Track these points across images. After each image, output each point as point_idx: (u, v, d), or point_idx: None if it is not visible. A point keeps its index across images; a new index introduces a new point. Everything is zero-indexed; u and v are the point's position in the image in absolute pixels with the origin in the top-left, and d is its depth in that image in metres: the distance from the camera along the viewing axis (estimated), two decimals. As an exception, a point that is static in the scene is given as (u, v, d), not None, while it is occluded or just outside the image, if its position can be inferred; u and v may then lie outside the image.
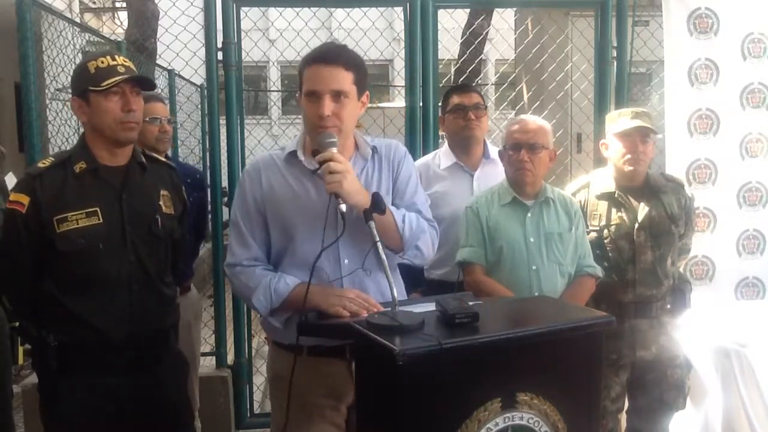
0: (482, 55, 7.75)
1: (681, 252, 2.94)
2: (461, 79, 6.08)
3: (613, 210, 2.77)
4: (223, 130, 3.62)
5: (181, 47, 4.91)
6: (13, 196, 2.07)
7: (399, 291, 2.03)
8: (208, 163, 4.15)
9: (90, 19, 9.41)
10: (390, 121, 4.92)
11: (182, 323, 2.45)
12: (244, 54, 3.77)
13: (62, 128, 3.92)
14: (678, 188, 2.88)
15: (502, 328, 1.74)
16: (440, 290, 2.50)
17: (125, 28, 7.13)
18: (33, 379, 2.99)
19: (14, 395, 2.95)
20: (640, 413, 2.85)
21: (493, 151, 2.99)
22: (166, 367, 2.20)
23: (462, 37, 6.55)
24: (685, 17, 3.45)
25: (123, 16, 8.89)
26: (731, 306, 3.25)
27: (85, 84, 2.06)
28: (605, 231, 2.76)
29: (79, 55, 4.14)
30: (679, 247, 2.89)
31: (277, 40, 4.98)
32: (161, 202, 2.21)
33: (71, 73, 2.24)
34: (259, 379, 4.37)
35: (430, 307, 1.70)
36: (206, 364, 3.81)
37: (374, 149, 2.12)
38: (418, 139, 3.65)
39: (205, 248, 5.11)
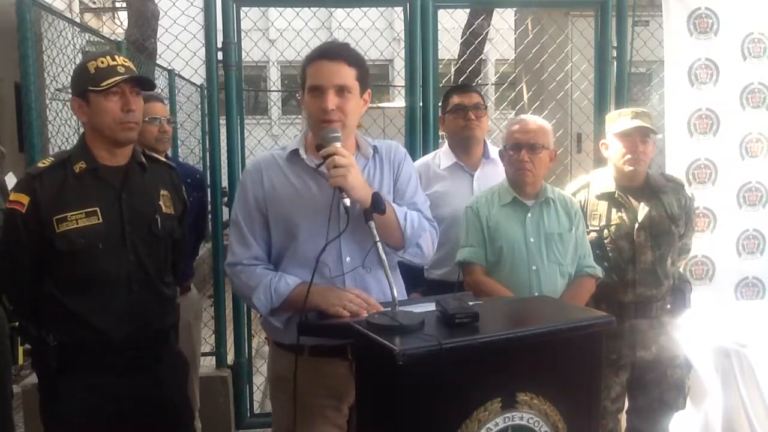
0: (482, 55, 7.75)
1: (681, 252, 2.94)
2: (461, 79, 6.08)
3: (613, 210, 2.77)
4: (223, 130, 3.62)
5: (181, 47, 4.91)
6: (13, 196, 2.07)
7: (399, 290, 2.04)
8: (208, 163, 4.15)
9: (90, 19, 9.41)
10: (390, 121, 4.91)
11: (182, 323, 2.46)
12: (244, 54, 3.77)
13: (62, 128, 3.93)
14: (678, 188, 2.88)
15: (502, 328, 1.74)
16: (440, 290, 2.50)
17: (125, 28, 7.13)
18: (33, 379, 2.99)
19: (14, 395, 2.95)
20: (640, 413, 2.85)
21: (493, 151, 2.99)
22: (166, 367, 2.20)
23: (462, 37, 6.55)
24: (685, 17, 3.45)
25: (123, 16, 8.90)
26: (731, 306, 3.25)
27: (85, 84, 2.06)
28: (605, 231, 2.76)
29: (79, 55, 4.14)
30: (679, 247, 2.89)
31: (277, 40, 4.97)
32: (161, 202, 2.21)
33: (71, 73, 2.24)
34: (259, 379, 4.37)
35: (430, 307, 1.70)
36: (206, 364, 3.81)
37: (375, 149, 2.13)
38: (418, 139, 3.65)
39: (205, 248, 5.11)
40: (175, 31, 4.75)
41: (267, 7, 4.92)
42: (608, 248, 2.75)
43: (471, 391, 1.52)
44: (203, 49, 3.60)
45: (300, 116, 9.47)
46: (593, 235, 2.74)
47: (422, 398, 1.48)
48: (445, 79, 6.48)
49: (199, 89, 7.88)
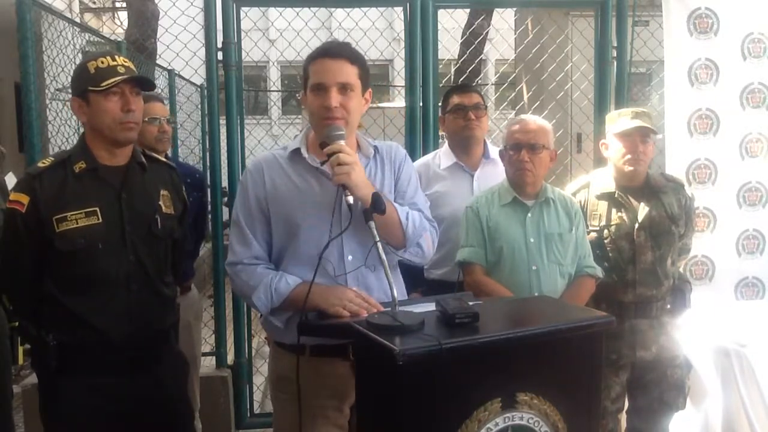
0: (482, 55, 7.75)
1: (681, 252, 2.94)
2: (461, 79, 6.07)
3: (613, 210, 2.77)
4: (223, 130, 3.62)
5: (181, 47, 4.91)
6: (13, 196, 2.07)
7: (399, 290, 2.04)
8: (208, 163, 4.15)
9: (90, 19, 9.41)
10: (390, 121, 4.91)
11: (183, 323, 2.45)
12: (244, 54, 3.77)
13: (62, 128, 3.92)
14: (678, 188, 2.88)
15: (502, 328, 1.74)
16: (440, 290, 2.50)
17: (125, 28, 7.13)
18: (33, 379, 2.99)
19: (14, 395, 2.95)
20: (640, 413, 2.85)
21: (493, 151, 2.99)
22: (166, 367, 2.20)
23: (462, 37, 6.55)
24: (685, 17, 3.45)
25: (123, 16, 8.90)
26: (731, 306, 3.25)
27: (85, 84, 2.06)
28: (605, 231, 2.76)
29: (79, 55, 4.14)
30: (679, 247, 2.89)
31: (277, 40, 4.97)
32: (161, 202, 2.21)
33: (71, 73, 2.24)
34: (259, 379, 4.37)
35: (430, 307, 1.71)
36: (206, 364, 3.81)
37: (376, 149, 2.14)
38: (418, 139, 3.65)
39: (205, 248, 5.11)
40: (175, 31, 4.75)
41: (267, 7, 4.92)
42: (608, 248, 2.75)
43: (471, 391, 1.52)
44: (203, 49, 3.60)
45: (300, 116, 9.47)
46: (593, 235, 2.74)
47: (422, 398, 1.48)
48: (445, 79, 6.48)
49: (199, 89, 7.88)
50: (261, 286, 2.01)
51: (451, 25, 5.35)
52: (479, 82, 8.21)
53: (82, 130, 2.21)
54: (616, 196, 2.78)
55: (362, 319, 1.72)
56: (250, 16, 4.12)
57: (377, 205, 1.88)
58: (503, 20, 6.54)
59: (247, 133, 3.91)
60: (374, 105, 2.18)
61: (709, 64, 3.45)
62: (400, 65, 4.16)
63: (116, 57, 2.10)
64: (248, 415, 3.86)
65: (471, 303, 1.71)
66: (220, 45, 3.53)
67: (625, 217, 2.75)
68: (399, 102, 5.88)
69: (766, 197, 3.50)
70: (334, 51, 2.01)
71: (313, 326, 1.91)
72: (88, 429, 2.08)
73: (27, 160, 3.18)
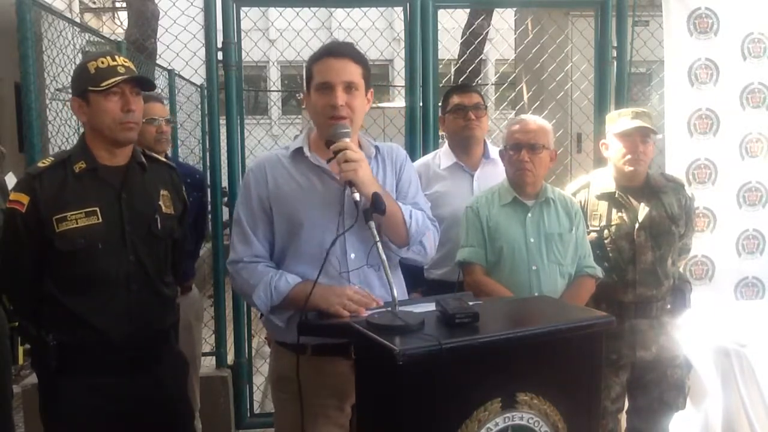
0: (482, 55, 7.75)
1: (681, 252, 2.94)
2: (461, 79, 6.07)
3: (614, 210, 2.77)
4: (223, 130, 3.62)
5: (181, 47, 4.90)
6: (13, 196, 2.07)
7: (400, 289, 2.07)
8: (208, 163, 4.15)
9: (90, 19, 9.41)
10: (390, 121, 4.91)
11: (183, 323, 2.46)
12: (244, 54, 3.77)
13: (62, 128, 3.92)
14: (678, 188, 2.88)
15: (502, 328, 1.74)
16: (440, 290, 2.50)
17: (125, 28, 7.13)
18: (33, 379, 2.99)
19: (14, 395, 2.95)
20: (640, 413, 2.85)
21: (493, 151, 2.99)
22: (166, 367, 2.20)
23: (462, 37, 6.55)
24: (685, 17, 3.45)
25: (123, 16, 8.90)
26: (731, 306, 3.25)
27: (85, 84, 2.06)
28: (605, 231, 2.76)
29: (79, 55, 4.14)
30: (680, 247, 2.89)
31: (277, 40, 4.97)
32: (161, 202, 2.21)
33: (71, 73, 2.24)
34: (259, 379, 4.37)
35: (430, 307, 1.71)
36: (206, 364, 3.81)
37: (377, 149, 2.15)
38: (418, 139, 3.65)
39: (205, 248, 5.11)
40: (175, 31, 4.74)
41: (267, 7, 4.92)
42: (608, 248, 2.75)
43: (471, 391, 1.52)
44: (203, 49, 3.60)
45: (300, 116, 9.47)
46: (593, 235, 2.74)
47: (422, 398, 1.48)
48: (445, 79, 6.48)
49: (199, 89, 7.88)
50: (261, 285, 2.02)
51: (451, 25, 5.35)
52: (479, 82, 8.21)
53: (82, 130, 2.21)
54: (616, 196, 2.77)
55: (362, 319, 1.73)
56: (250, 16, 4.12)
57: (377, 204, 1.89)
58: (503, 20, 6.55)
59: (247, 133, 3.91)
60: (374, 105, 2.19)
61: (709, 64, 3.45)
62: (400, 65, 4.16)
63: (116, 57, 2.10)
64: (248, 415, 3.86)
65: (471, 303, 1.71)
66: (220, 45, 3.53)
67: (625, 217, 2.75)
68: (399, 102, 5.88)
69: (766, 197, 3.49)
70: (339, 50, 2.03)
71: (312, 326, 1.91)
72: (88, 429, 2.08)
73: (27, 160, 3.18)
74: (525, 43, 5.23)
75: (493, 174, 2.86)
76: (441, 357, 1.46)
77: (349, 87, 1.99)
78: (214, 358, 3.84)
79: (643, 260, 2.73)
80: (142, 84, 2.15)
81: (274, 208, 2.07)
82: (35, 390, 2.21)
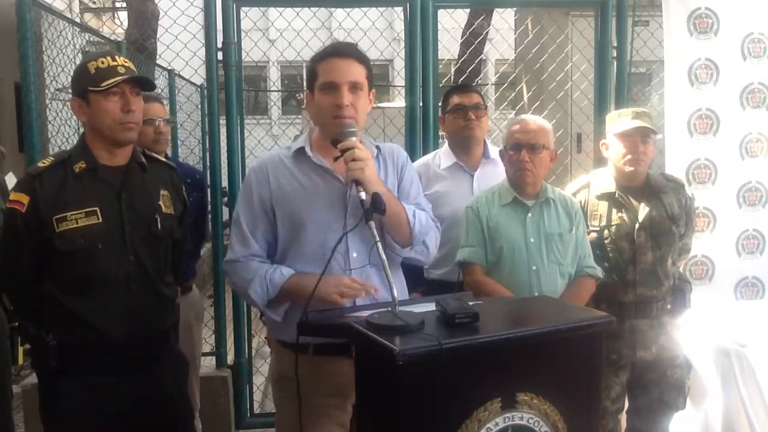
0: (482, 55, 7.75)
1: (681, 252, 2.94)
2: (461, 79, 6.07)
3: (614, 210, 2.77)
4: (223, 130, 3.62)
5: (181, 47, 4.90)
6: (13, 196, 2.07)
7: (401, 289, 2.09)
8: (208, 163, 4.15)
9: (90, 19, 9.41)
10: (390, 121, 4.91)
11: (183, 323, 2.46)
12: (244, 54, 3.77)
13: (62, 128, 3.92)
14: (678, 188, 2.88)
15: (502, 328, 1.74)
16: (440, 290, 2.50)
17: (125, 28, 7.13)
18: (33, 379, 2.99)
19: (14, 395, 2.95)
20: (640, 413, 2.85)
21: (493, 151, 2.99)
22: (166, 367, 2.20)
23: (462, 37, 6.55)
24: (685, 17, 3.45)
25: (123, 16, 8.90)
26: (731, 306, 3.25)
27: (85, 84, 2.06)
28: (605, 231, 2.76)
29: (79, 55, 4.14)
30: (680, 247, 2.89)
31: (277, 40, 4.97)
32: (161, 202, 2.21)
33: (71, 73, 2.24)
34: (259, 379, 4.37)
35: (430, 307, 1.71)
36: (206, 364, 3.80)
37: (378, 149, 2.16)
38: (418, 139, 3.65)
39: (205, 248, 5.11)
40: (175, 31, 4.74)
41: (267, 7, 4.92)
42: (608, 248, 2.75)
43: (471, 391, 1.52)
44: (203, 49, 3.60)
45: (300, 116, 9.47)
46: (593, 235, 2.74)
47: (422, 398, 1.48)
48: (445, 79, 6.48)
49: (199, 89, 7.87)
50: (256, 278, 2.03)
51: (451, 25, 5.35)
52: (479, 82, 8.21)
53: (82, 130, 2.21)
54: (616, 196, 2.77)
55: (362, 319, 1.73)
56: (250, 16, 4.12)
57: (377, 204, 1.89)
58: (503, 20, 6.55)
59: (247, 133, 3.91)
60: (374, 105, 2.21)
61: (709, 64, 3.45)
62: (400, 65, 4.16)
63: (116, 57, 2.10)
64: (248, 415, 3.86)
65: (471, 303, 1.71)
66: (220, 45, 3.53)
67: (625, 218, 2.75)
68: (399, 102, 5.88)
69: (766, 197, 3.49)
70: (344, 51, 2.04)
71: (312, 326, 1.91)
72: (88, 429, 2.08)
73: (27, 160, 3.18)
74: (525, 43, 5.23)
75: (493, 174, 2.86)
76: (441, 357, 1.46)
77: (354, 87, 2.01)
78: (214, 358, 3.84)
79: (643, 260, 2.73)
80: (142, 84, 2.15)
81: (276, 208, 2.07)
82: (35, 390, 2.21)
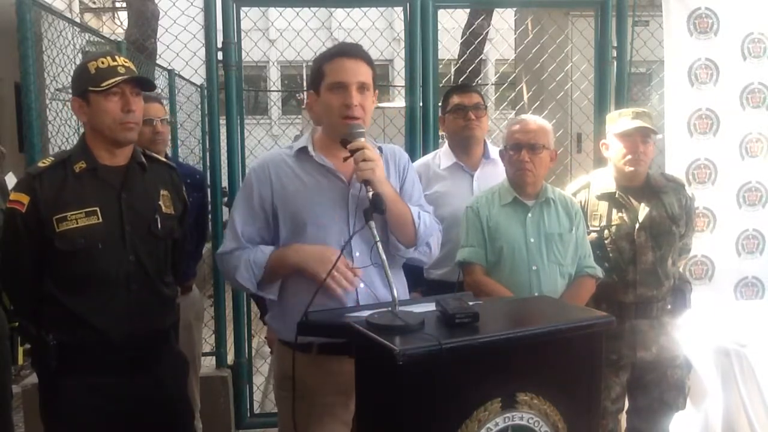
0: (482, 55, 7.75)
1: (681, 252, 2.94)
2: (461, 79, 6.07)
3: (614, 210, 2.77)
4: (223, 130, 3.62)
5: (181, 47, 4.90)
6: (13, 196, 2.07)
7: (402, 289, 2.10)
8: (208, 163, 4.15)
9: (90, 19, 9.41)
10: (390, 121, 4.91)
11: (183, 323, 2.46)
12: (244, 54, 3.77)
13: (62, 128, 3.92)
14: (679, 188, 2.88)
15: (502, 328, 1.74)
16: (440, 290, 2.50)
17: (125, 28, 7.12)
18: (33, 379, 2.99)
19: (14, 395, 2.95)
20: (640, 413, 2.85)
21: (494, 151, 2.99)
22: (166, 367, 2.20)
23: (462, 37, 6.55)
24: (685, 17, 3.45)
25: (123, 16, 8.90)
26: (731, 306, 3.25)
27: (85, 84, 2.06)
28: (606, 231, 2.76)
29: (79, 55, 4.14)
30: (680, 247, 2.89)
31: (277, 40, 4.97)
32: (161, 202, 2.21)
33: (71, 73, 2.24)
34: (259, 379, 4.37)
35: (430, 307, 1.71)
36: (206, 364, 3.80)
37: (380, 149, 2.15)
38: (418, 139, 3.65)
39: (205, 248, 5.10)
40: (175, 31, 4.74)
41: (267, 7, 4.92)
42: (609, 249, 2.75)
43: (471, 391, 1.52)
44: (203, 49, 3.60)
45: (300, 116, 9.47)
46: (594, 235, 2.74)
47: (422, 398, 1.48)
48: (445, 79, 6.48)
49: (199, 89, 7.87)
50: (241, 264, 2.05)
51: (451, 25, 5.35)
52: (479, 82, 8.22)
53: (82, 130, 2.21)
54: (616, 196, 2.77)
55: (362, 318, 1.73)
56: (250, 16, 4.12)
57: (377, 205, 1.90)
58: (503, 20, 6.55)
59: (247, 133, 3.91)
60: (375, 105, 2.22)
61: (709, 64, 3.45)
62: (400, 65, 4.16)
63: (116, 57, 2.11)
64: (248, 415, 3.86)
65: (471, 303, 1.71)
66: (220, 45, 3.53)
67: (625, 218, 2.75)
68: (399, 102, 5.88)
69: (766, 197, 3.50)
70: (352, 51, 2.05)
71: (312, 326, 1.91)
72: (88, 429, 2.08)
73: (27, 160, 3.18)
74: (525, 43, 5.23)
75: (493, 174, 2.86)
76: (441, 357, 1.46)
77: (362, 87, 2.02)
78: (214, 358, 3.84)
79: (643, 260, 2.73)
80: (143, 84, 2.15)
81: (278, 206, 2.08)
82: (35, 390, 2.21)
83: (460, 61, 6.71)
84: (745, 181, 3.48)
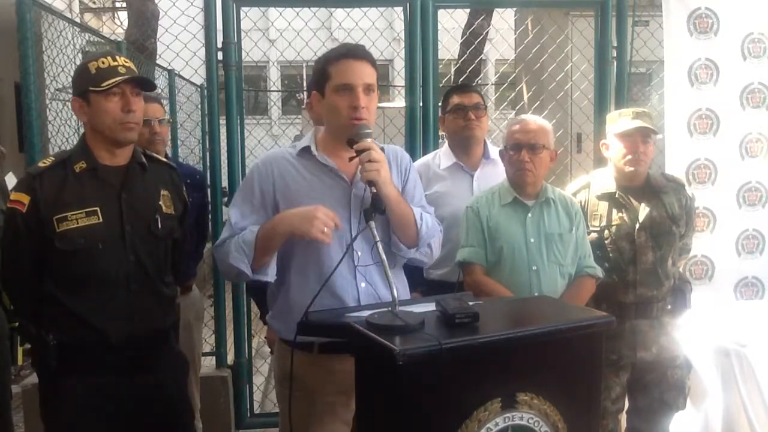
0: (482, 55, 7.75)
1: (681, 252, 2.94)
2: (461, 79, 6.07)
3: (614, 210, 2.77)
4: (223, 130, 3.62)
5: (181, 47, 4.90)
6: (13, 196, 2.07)
7: (403, 289, 2.11)
8: (208, 163, 4.15)
9: (90, 19, 9.41)
10: (390, 121, 4.90)
11: (183, 323, 2.46)
12: (244, 54, 3.77)
13: (62, 128, 3.92)
14: (679, 188, 2.88)
15: (502, 328, 1.74)
16: (440, 290, 2.50)
17: (125, 28, 7.13)
18: (33, 379, 2.99)
19: (14, 395, 2.95)
20: (641, 413, 2.85)
21: (494, 151, 2.99)
22: (166, 367, 2.20)
23: (462, 37, 6.55)
24: (685, 17, 3.45)
25: (123, 16, 8.90)
26: (731, 306, 3.25)
27: (86, 84, 2.06)
28: (606, 231, 2.76)
29: (79, 55, 4.14)
30: (680, 248, 2.89)
31: (277, 40, 4.97)
32: (161, 202, 2.21)
33: (71, 73, 2.24)
34: (259, 379, 4.37)
35: (430, 307, 1.71)
36: (206, 364, 3.81)
37: (382, 150, 2.15)
38: (418, 139, 3.65)
39: (205, 248, 5.11)
40: (175, 31, 4.74)
41: (267, 7, 4.92)
42: (609, 249, 2.75)
43: (471, 391, 1.52)
44: (203, 49, 3.60)
45: (299, 116, 9.47)
46: (594, 235, 2.74)
47: (422, 398, 1.48)
48: (445, 79, 6.48)
49: (199, 89, 7.87)
50: (232, 248, 2.04)
51: (451, 25, 5.35)
52: (479, 82, 8.22)
53: (82, 130, 2.21)
54: (616, 196, 2.77)
55: (362, 318, 1.73)
56: (250, 16, 4.12)
57: (376, 205, 1.91)
58: (503, 20, 6.55)
59: (247, 133, 3.92)
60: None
61: (709, 64, 3.45)
62: (400, 65, 4.16)
63: (117, 57, 2.11)
64: (248, 415, 3.86)
65: (471, 303, 1.71)
66: (220, 45, 3.53)
67: (625, 218, 2.75)
68: (399, 102, 5.88)
69: (766, 197, 3.50)
70: (358, 53, 2.05)
71: (312, 325, 1.91)
72: (88, 429, 2.08)
73: (27, 160, 3.18)
74: (525, 43, 5.23)
75: (493, 174, 2.86)
76: (441, 357, 1.46)
77: (368, 89, 2.02)
78: (214, 358, 3.84)
79: (643, 260, 2.73)
80: (143, 84, 2.15)
81: (281, 204, 2.08)
82: (35, 390, 2.21)
83: (460, 61, 6.71)
84: (745, 181, 3.48)
